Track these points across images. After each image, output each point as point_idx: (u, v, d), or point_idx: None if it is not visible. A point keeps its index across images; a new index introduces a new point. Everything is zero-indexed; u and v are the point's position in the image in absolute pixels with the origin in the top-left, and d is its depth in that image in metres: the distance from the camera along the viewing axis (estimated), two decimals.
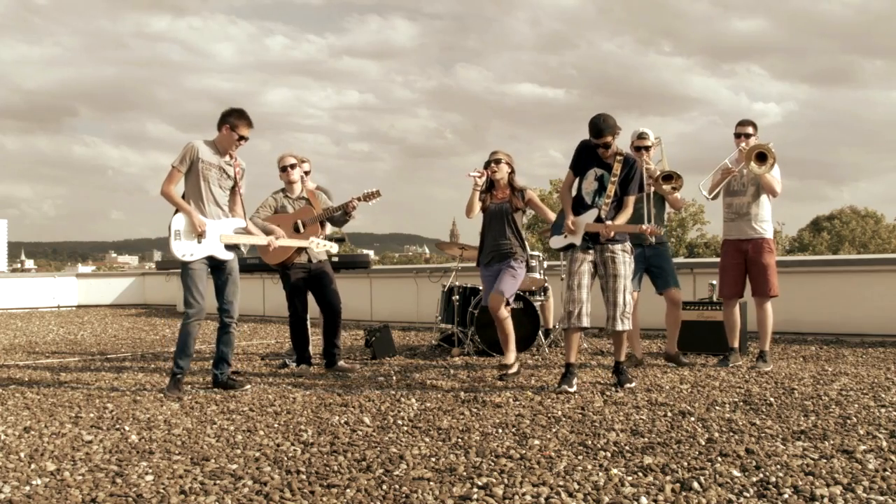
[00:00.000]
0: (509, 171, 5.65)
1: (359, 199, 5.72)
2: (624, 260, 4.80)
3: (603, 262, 4.82)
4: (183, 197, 4.86)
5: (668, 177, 5.61)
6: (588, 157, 4.94)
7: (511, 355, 5.45)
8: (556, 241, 4.97)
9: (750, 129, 5.59)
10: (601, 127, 4.75)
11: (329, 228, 6.11)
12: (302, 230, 5.75)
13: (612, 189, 4.82)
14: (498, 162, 5.62)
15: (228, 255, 4.95)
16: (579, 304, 4.79)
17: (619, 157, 4.83)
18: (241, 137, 4.89)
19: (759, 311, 5.53)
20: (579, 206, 4.92)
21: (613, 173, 4.83)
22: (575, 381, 4.74)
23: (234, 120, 4.87)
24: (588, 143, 4.89)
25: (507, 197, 5.62)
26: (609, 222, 4.77)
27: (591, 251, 4.85)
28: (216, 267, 4.96)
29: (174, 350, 5.00)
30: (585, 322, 4.81)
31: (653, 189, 5.63)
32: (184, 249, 4.80)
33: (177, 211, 4.84)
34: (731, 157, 5.59)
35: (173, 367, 4.94)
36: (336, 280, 6.01)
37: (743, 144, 5.50)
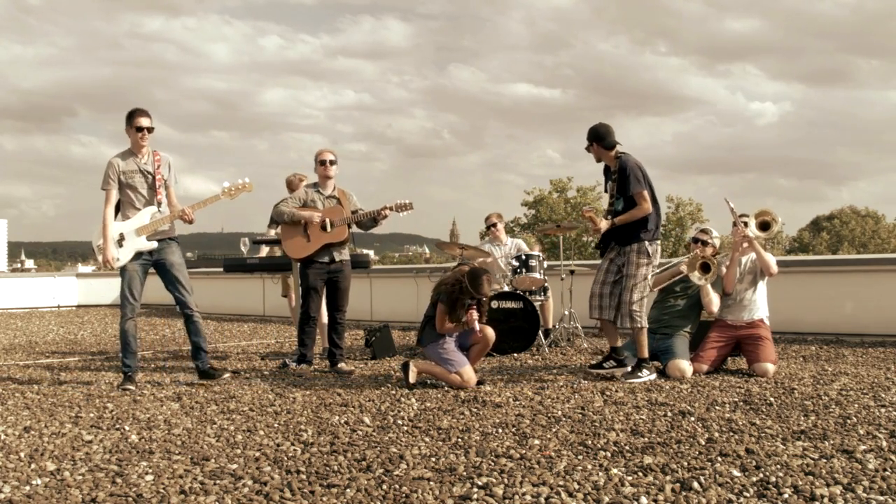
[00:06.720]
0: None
1: (390, 209, 5.72)
2: (637, 261, 4.98)
3: (621, 263, 5.07)
4: (117, 209, 5.18)
5: (706, 266, 5.30)
6: (606, 174, 5.25)
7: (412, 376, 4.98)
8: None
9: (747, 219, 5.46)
10: (587, 135, 5.13)
11: (354, 229, 6.10)
12: (329, 230, 5.76)
13: (612, 188, 5.06)
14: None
15: (152, 244, 5.15)
16: (592, 297, 5.12)
17: (617, 159, 5.07)
18: (141, 128, 5.13)
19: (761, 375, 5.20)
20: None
21: (613, 175, 5.05)
22: (610, 363, 5.09)
23: (131, 119, 5.16)
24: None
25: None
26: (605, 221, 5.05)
27: (611, 250, 5.13)
28: (156, 264, 5.22)
29: (118, 350, 5.31)
30: (596, 314, 5.10)
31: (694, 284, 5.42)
32: (112, 258, 5.10)
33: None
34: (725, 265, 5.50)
35: (122, 367, 5.19)
36: (351, 282, 6.02)
37: (742, 231, 5.40)
